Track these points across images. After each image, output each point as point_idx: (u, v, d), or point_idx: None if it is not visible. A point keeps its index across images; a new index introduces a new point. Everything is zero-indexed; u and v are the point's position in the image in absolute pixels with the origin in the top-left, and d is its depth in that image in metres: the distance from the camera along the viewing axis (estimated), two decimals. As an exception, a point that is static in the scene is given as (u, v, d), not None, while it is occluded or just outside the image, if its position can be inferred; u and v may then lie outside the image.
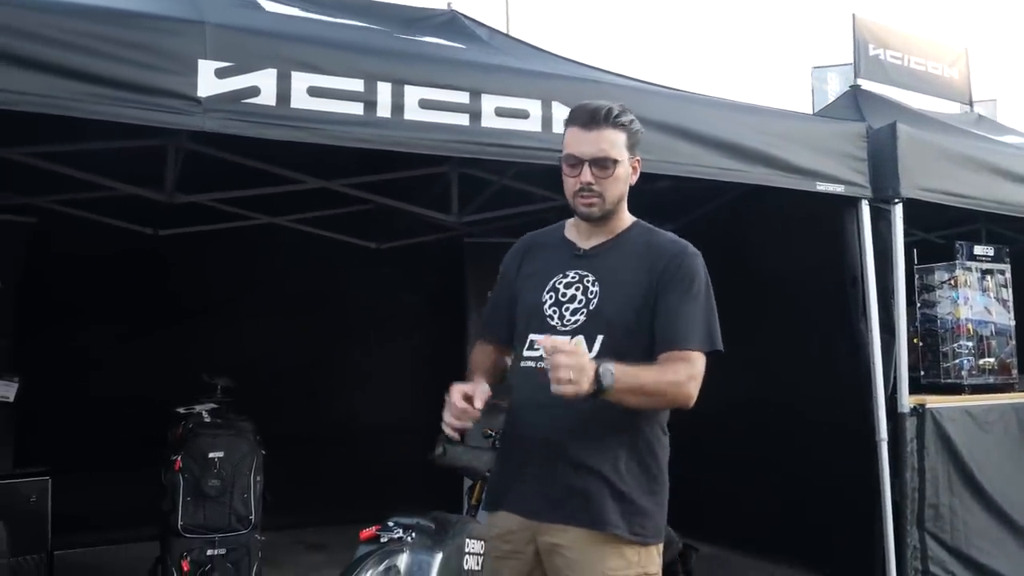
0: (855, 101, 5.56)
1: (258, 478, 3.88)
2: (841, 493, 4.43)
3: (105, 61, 2.69)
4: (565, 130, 2.20)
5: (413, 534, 1.79)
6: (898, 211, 4.17)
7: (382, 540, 1.79)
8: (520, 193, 5.18)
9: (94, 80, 2.68)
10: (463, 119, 3.23)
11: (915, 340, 4.97)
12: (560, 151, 3.11)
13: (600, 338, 2.07)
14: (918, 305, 4.94)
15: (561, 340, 1.96)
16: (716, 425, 5.66)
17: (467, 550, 1.86)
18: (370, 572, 1.66)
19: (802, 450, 4.82)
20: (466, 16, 4.33)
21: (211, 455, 3.79)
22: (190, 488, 3.76)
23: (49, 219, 5.29)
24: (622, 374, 1.90)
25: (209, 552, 3.75)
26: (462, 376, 6.01)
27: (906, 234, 4.29)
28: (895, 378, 4.19)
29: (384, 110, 3.09)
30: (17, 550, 3.87)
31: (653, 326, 2.10)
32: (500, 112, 3.29)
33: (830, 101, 7.31)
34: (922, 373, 4.89)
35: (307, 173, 4.74)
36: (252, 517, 3.83)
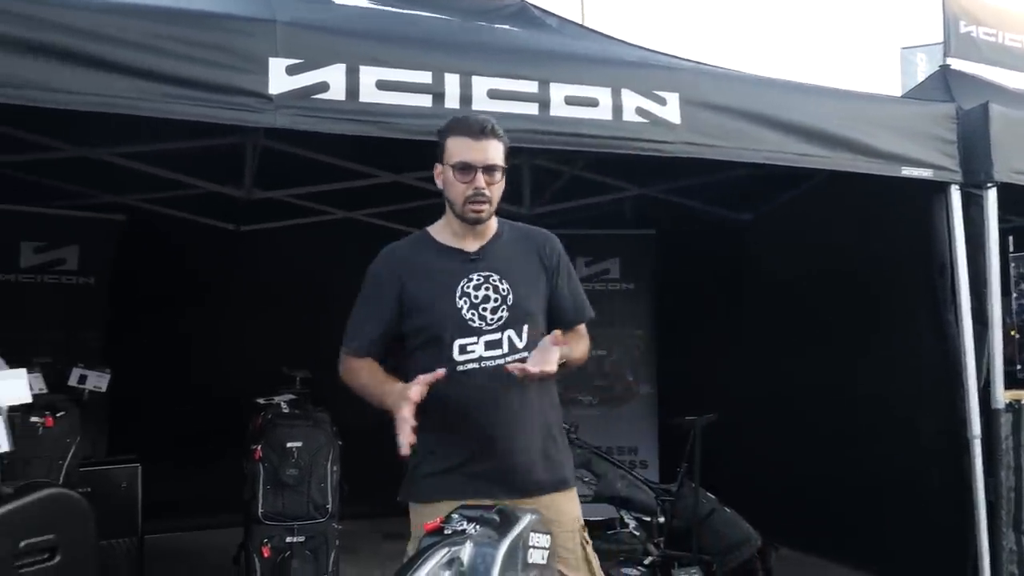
0: (944, 82, 5.29)
1: (335, 468, 3.95)
2: (927, 492, 4.25)
3: (180, 62, 2.75)
4: (446, 140, 2.33)
5: (477, 526, 1.77)
6: (991, 196, 3.95)
7: (446, 532, 1.78)
8: (591, 183, 5.14)
9: (170, 81, 2.74)
10: (532, 108, 3.20)
11: (1011, 332, 4.73)
12: (632, 139, 3.00)
13: (525, 327, 2.28)
14: (1014, 295, 4.69)
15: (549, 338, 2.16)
16: (795, 421, 5.52)
17: (531, 543, 1.83)
18: (433, 563, 1.65)
19: (885, 447, 4.64)
20: (535, 6, 4.30)
21: (289, 445, 3.88)
22: (269, 477, 3.86)
23: (138, 216, 5.53)
24: (567, 350, 2.25)
25: (288, 539, 3.85)
26: None
27: (1000, 220, 4.06)
28: (988, 372, 3.98)
29: (452, 101, 3.08)
30: (109, 533, 4.03)
31: (550, 305, 2.38)
32: (570, 101, 3.25)
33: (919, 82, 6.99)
34: (1019, 367, 4.64)
35: (380, 167, 4.81)
36: (329, 506, 3.91)
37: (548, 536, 1.96)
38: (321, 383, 4.81)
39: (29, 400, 3.05)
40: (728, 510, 4.41)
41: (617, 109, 3.31)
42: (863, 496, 4.77)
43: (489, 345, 2.26)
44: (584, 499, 4.64)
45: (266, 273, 5.88)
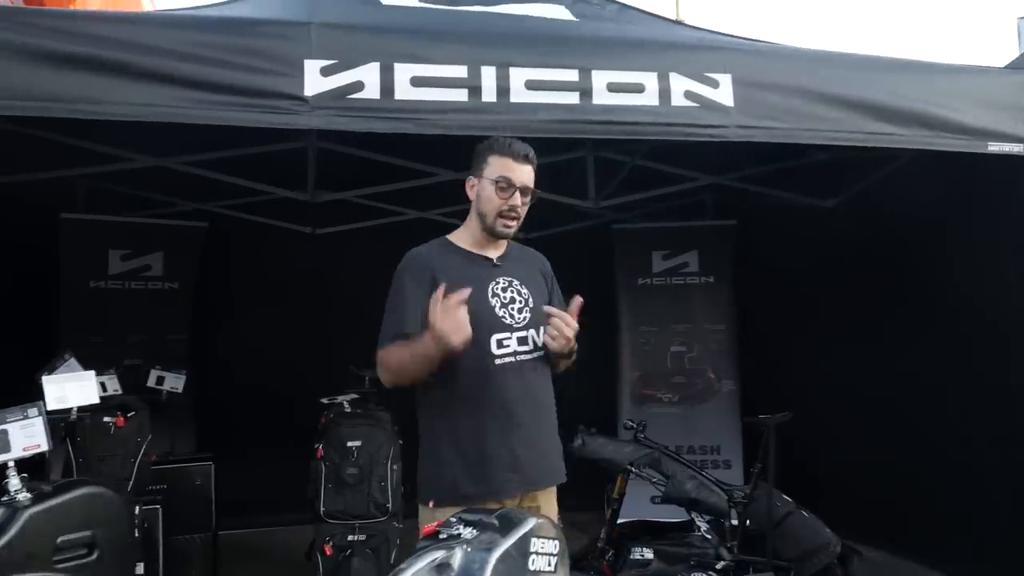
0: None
1: (395, 467, 3.96)
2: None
3: (217, 68, 2.79)
4: (488, 156, 2.56)
5: (474, 530, 1.71)
6: (1094, 171, 3.58)
7: (440, 536, 1.72)
8: (658, 174, 4.98)
9: (208, 87, 2.78)
10: (573, 97, 3.08)
11: None
12: (683, 124, 2.86)
13: (541, 329, 2.47)
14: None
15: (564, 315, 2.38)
16: (886, 418, 5.20)
17: (534, 549, 1.74)
18: (419, 567, 1.59)
19: (984, 447, 4.30)
20: (593, -2, 4.18)
21: (349, 444, 3.91)
22: (331, 475, 3.91)
23: (219, 223, 5.72)
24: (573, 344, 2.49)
25: (350, 538, 3.88)
26: (615, 367, 5.78)
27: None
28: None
29: (489, 95, 3.01)
30: (185, 529, 4.19)
31: None
32: (613, 88, 3.12)
33: (1029, 51, 6.44)
34: None
35: (441, 166, 4.80)
36: (390, 505, 3.92)
37: (556, 542, 1.86)
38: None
39: (95, 401, 3.19)
40: (806, 513, 4.17)
41: (665, 94, 3.16)
42: (959, 498, 4.43)
43: (520, 341, 2.44)
44: (653, 500, 4.57)
45: (341, 274, 5.98)
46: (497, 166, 2.52)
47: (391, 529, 3.95)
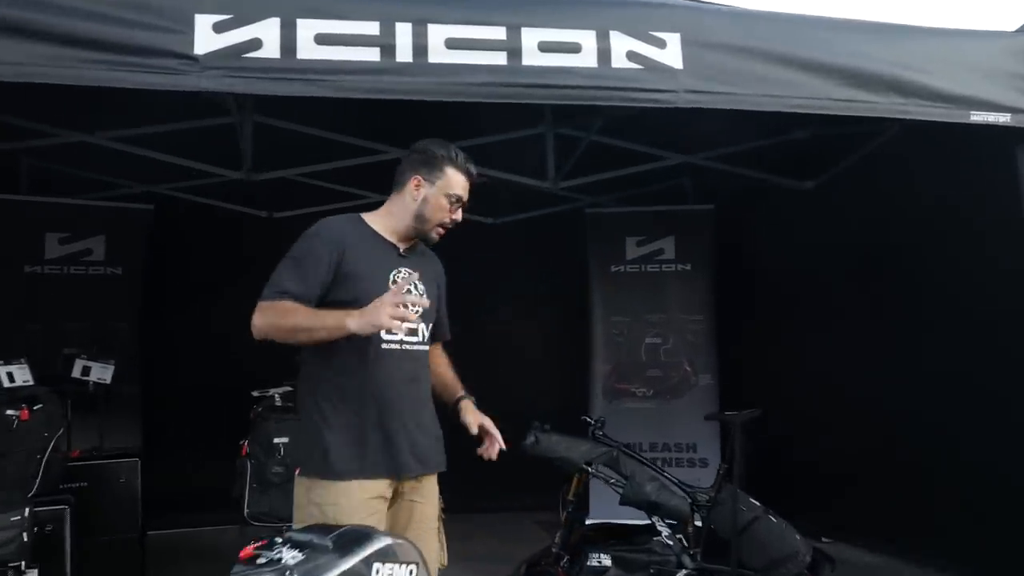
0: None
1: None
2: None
3: (99, 24, 2.51)
4: (446, 167, 2.55)
5: (299, 553, 1.40)
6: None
7: (259, 561, 1.42)
8: (623, 153, 4.65)
9: (89, 45, 2.51)
10: (499, 58, 2.76)
11: None
12: (624, 88, 2.83)
13: (430, 325, 2.58)
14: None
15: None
16: (877, 410, 4.87)
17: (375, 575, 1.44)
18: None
19: (985, 435, 3.97)
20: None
21: (276, 440, 3.63)
22: (256, 474, 3.62)
23: (168, 206, 5.44)
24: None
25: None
26: (586, 360, 5.38)
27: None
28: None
29: (404, 54, 2.70)
30: (109, 529, 3.92)
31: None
32: (545, 47, 2.80)
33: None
34: None
35: (388, 143, 4.49)
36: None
37: (411, 567, 1.55)
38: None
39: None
40: (775, 519, 3.85)
41: (604, 54, 2.83)
42: (963, 493, 4.11)
43: (410, 332, 2.46)
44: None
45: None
46: (452, 181, 2.56)
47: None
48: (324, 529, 1.53)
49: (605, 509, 4.65)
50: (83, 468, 3.98)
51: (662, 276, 5.72)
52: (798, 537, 3.81)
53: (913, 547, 4.62)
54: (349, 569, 1.41)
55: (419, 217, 2.53)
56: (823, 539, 5.05)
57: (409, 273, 2.48)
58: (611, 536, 4.52)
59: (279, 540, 1.48)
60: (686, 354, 5.67)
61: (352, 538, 1.49)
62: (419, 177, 2.54)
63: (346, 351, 2.32)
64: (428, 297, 2.53)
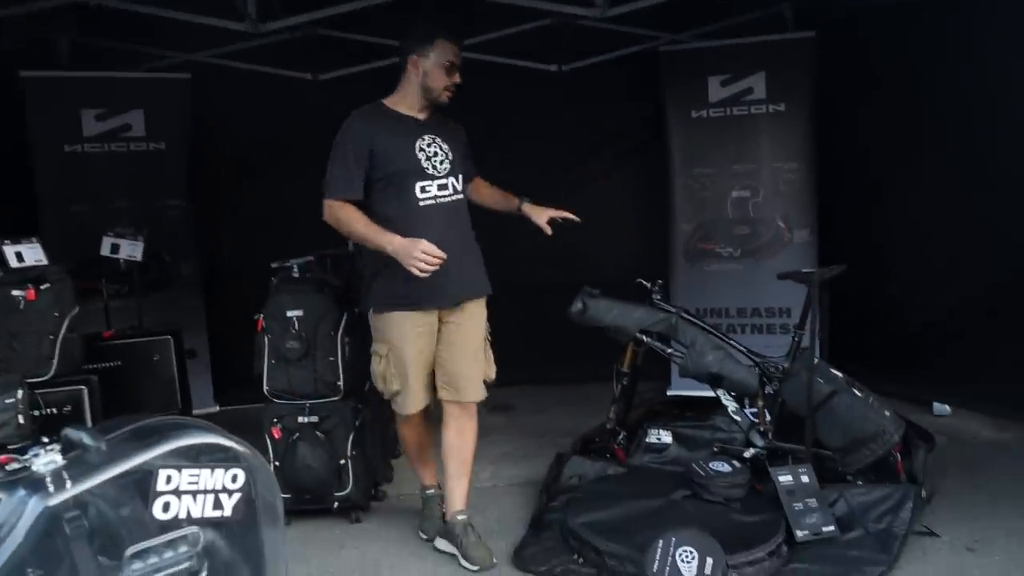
0: None
1: (347, 339, 3.37)
2: None
3: None
4: (435, 41, 2.93)
5: (57, 460, 1.04)
6: None
7: (7, 468, 1.07)
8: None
9: None
10: None
11: None
12: None
13: (460, 176, 3.04)
14: None
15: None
16: (997, 273, 4.15)
17: (160, 487, 1.07)
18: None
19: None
20: None
21: (289, 314, 3.34)
22: (273, 350, 3.37)
23: (207, 74, 5.13)
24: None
25: (300, 419, 3.37)
26: (666, 219, 4.86)
27: None
28: None
29: None
30: (147, 406, 3.85)
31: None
32: None
33: None
34: None
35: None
36: (341, 383, 3.36)
37: (232, 471, 1.18)
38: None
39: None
40: (859, 392, 3.29)
41: None
42: None
43: (440, 187, 2.96)
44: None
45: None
46: (443, 51, 2.93)
47: (346, 410, 3.40)
48: (109, 428, 1.15)
49: (689, 381, 4.18)
50: (114, 347, 3.88)
51: (751, 119, 4.95)
52: (887, 413, 3.25)
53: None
54: (124, 472, 1.03)
55: (425, 89, 2.95)
56: (937, 408, 4.43)
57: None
58: (679, 410, 4.10)
59: (45, 440, 1.12)
60: (779, 208, 4.96)
61: (143, 436, 1.11)
62: (415, 56, 2.94)
63: (391, 207, 2.90)
64: (453, 154, 3.00)
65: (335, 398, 3.40)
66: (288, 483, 3.34)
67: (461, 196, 3.03)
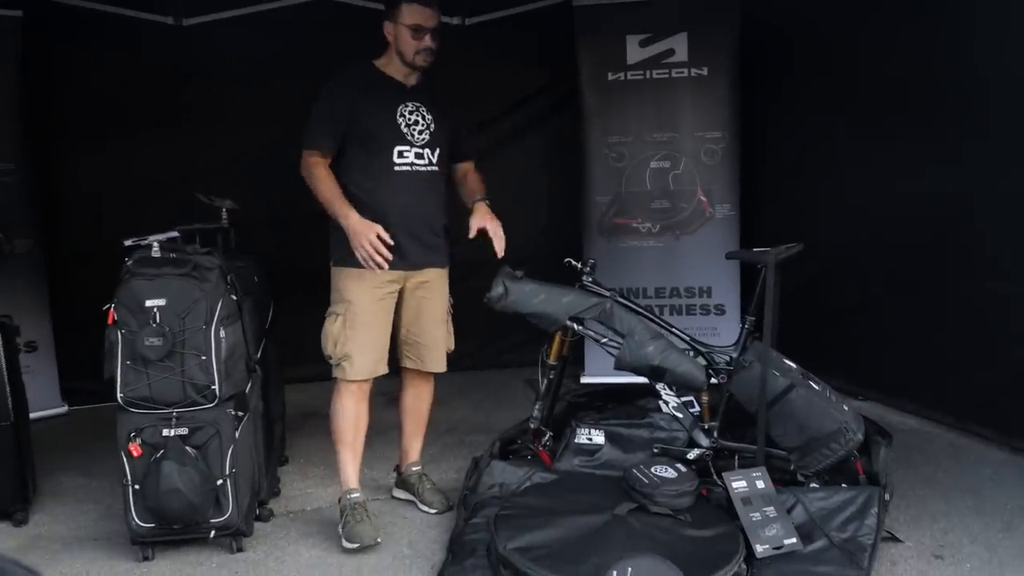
0: None
1: (223, 333, 2.75)
2: None
3: None
4: (402, 5, 2.89)
5: None
6: None
7: None
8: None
9: None
10: None
11: None
12: None
13: (438, 148, 3.03)
14: None
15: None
16: (924, 258, 3.96)
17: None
18: None
19: None
20: None
21: (148, 303, 2.69)
22: (128, 348, 2.72)
23: (47, 13, 4.30)
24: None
25: (165, 433, 2.74)
26: (579, 191, 4.66)
27: None
28: None
29: None
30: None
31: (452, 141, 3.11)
32: None
33: None
34: None
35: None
36: (215, 386, 2.74)
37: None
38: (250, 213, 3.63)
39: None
40: (816, 385, 2.96)
41: None
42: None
43: (417, 156, 2.97)
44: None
45: (218, 77, 4.59)
46: (406, 13, 2.87)
47: (224, 419, 2.78)
48: None
49: (605, 366, 3.79)
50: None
51: (671, 83, 4.58)
52: (846, 408, 2.94)
53: (964, 412, 3.81)
54: None
55: (400, 54, 2.92)
56: (858, 398, 4.22)
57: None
58: (602, 402, 3.70)
59: None
60: (701, 181, 4.63)
61: None
62: (388, 22, 2.92)
63: (367, 168, 2.90)
64: (437, 123, 2.98)
65: (208, 405, 2.77)
66: (151, 511, 2.72)
67: (436, 169, 3.00)
